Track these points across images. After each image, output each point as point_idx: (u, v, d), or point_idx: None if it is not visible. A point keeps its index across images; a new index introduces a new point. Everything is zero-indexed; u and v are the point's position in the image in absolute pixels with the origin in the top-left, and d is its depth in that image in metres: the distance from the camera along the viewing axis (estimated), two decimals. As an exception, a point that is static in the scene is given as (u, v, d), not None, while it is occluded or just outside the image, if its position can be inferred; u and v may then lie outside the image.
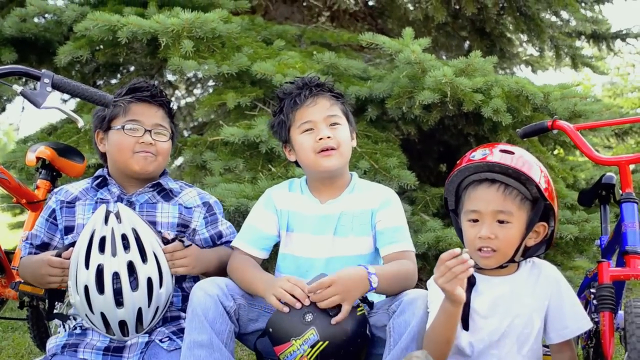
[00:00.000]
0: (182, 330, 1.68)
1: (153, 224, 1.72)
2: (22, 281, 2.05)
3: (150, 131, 1.73)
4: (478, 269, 1.52)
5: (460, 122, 3.17)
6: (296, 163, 1.77)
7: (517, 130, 2.09)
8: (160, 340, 1.63)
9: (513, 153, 1.49)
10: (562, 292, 1.52)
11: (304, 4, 4.40)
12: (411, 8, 4.35)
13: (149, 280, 1.56)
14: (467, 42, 4.92)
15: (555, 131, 1.92)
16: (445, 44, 4.91)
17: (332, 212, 1.70)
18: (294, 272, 1.69)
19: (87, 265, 1.54)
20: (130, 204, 1.73)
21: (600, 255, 1.92)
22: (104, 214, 1.57)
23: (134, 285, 1.54)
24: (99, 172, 1.81)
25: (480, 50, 3.12)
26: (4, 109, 4.08)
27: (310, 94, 1.70)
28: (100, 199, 1.75)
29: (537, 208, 1.49)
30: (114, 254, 1.54)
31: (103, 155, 1.81)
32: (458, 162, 1.57)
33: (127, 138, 1.71)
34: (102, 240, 1.55)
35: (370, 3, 4.81)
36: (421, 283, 3.73)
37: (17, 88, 1.65)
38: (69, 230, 1.74)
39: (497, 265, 1.50)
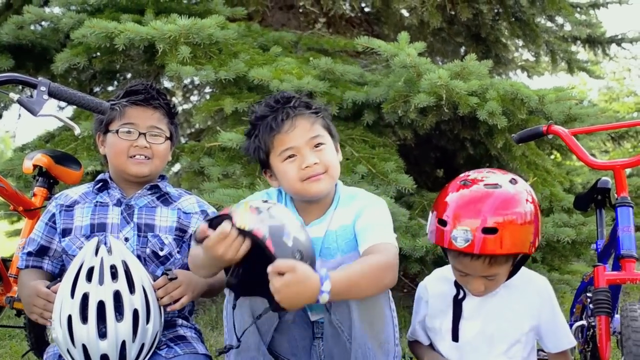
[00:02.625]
0: (180, 338, 1.68)
1: (152, 227, 1.72)
2: (17, 298, 2.05)
3: (144, 134, 1.73)
4: None
5: (456, 126, 3.18)
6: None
7: (513, 135, 2.10)
8: (159, 348, 1.63)
9: (496, 231, 1.37)
10: (554, 308, 1.55)
11: (300, 10, 4.42)
12: (406, 14, 4.38)
13: (135, 312, 1.50)
14: (463, 47, 4.95)
15: (550, 136, 1.93)
16: (441, 49, 4.93)
17: (317, 234, 1.60)
18: None
19: (72, 295, 1.48)
20: (130, 207, 1.74)
21: (597, 259, 1.93)
22: (95, 246, 1.53)
23: (119, 316, 1.48)
24: (100, 176, 1.81)
25: (476, 55, 3.13)
26: (0, 117, 4.08)
27: (288, 116, 1.55)
28: (100, 202, 1.75)
29: (524, 257, 1.50)
30: (100, 282, 1.49)
31: (105, 158, 1.81)
32: (442, 194, 1.48)
33: (121, 142, 1.72)
34: (90, 270, 1.50)
35: (366, 9, 4.83)
36: (419, 288, 3.66)
37: (14, 96, 1.65)
38: (66, 232, 1.74)
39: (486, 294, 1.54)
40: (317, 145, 1.57)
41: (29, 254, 1.77)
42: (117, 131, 1.72)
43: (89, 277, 1.49)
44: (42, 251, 1.77)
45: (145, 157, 1.73)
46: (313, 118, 1.59)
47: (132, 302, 1.50)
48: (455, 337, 1.53)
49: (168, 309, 1.59)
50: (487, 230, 1.37)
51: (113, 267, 1.51)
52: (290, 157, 1.57)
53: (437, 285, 1.60)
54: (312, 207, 1.64)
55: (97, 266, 1.50)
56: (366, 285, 1.40)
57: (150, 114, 1.75)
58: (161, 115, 1.77)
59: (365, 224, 1.57)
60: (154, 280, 1.57)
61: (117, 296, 1.49)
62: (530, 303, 1.53)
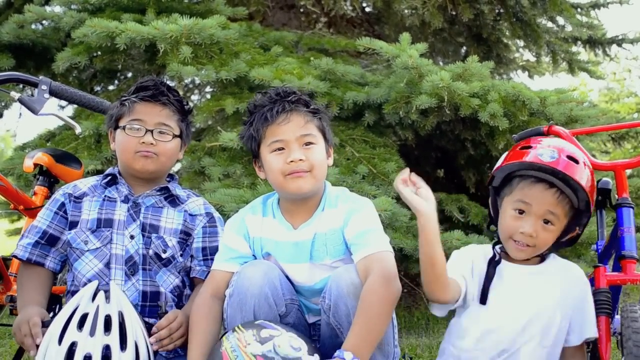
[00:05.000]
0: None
1: (156, 228, 1.71)
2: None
3: (152, 131, 1.71)
4: (505, 254, 1.57)
5: (457, 127, 3.19)
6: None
7: (513, 135, 2.10)
8: (159, 348, 1.63)
9: (578, 162, 1.50)
10: (587, 297, 1.56)
11: (302, 10, 4.42)
12: (408, 14, 4.37)
13: None
14: (464, 48, 4.95)
15: (551, 136, 1.93)
16: (442, 50, 4.94)
17: (306, 237, 1.60)
18: None
19: (60, 341, 1.41)
20: (137, 205, 1.73)
21: (597, 260, 1.93)
22: (93, 290, 1.47)
23: None
24: (109, 170, 1.80)
25: (477, 55, 3.13)
26: (1, 116, 4.08)
27: (284, 109, 1.56)
28: (108, 196, 1.74)
29: (579, 219, 1.54)
30: (92, 333, 1.42)
31: (115, 154, 1.80)
32: (516, 147, 1.56)
33: (128, 138, 1.71)
34: (83, 318, 1.44)
35: (368, 9, 4.83)
36: (418, 288, 3.72)
37: (15, 95, 1.66)
38: (73, 225, 1.72)
39: (525, 258, 1.55)
40: (306, 144, 1.57)
41: (36, 244, 1.72)
42: (124, 127, 1.71)
43: (80, 325, 1.43)
44: (50, 241, 1.72)
45: (153, 153, 1.71)
46: (309, 117, 1.59)
47: (121, 359, 1.43)
48: (483, 300, 1.52)
49: (162, 348, 1.56)
50: (571, 158, 1.49)
51: (108, 318, 1.45)
52: (278, 149, 1.57)
53: (480, 259, 1.59)
54: (299, 209, 1.63)
55: (92, 314, 1.44)
56: (379, 320, 1.42)
57: (158, 110, 1.73)
58: (170, 112, 1.74)
59: (356, 232, 1.56)
60: (149, 330, 1.54)
61: (107, 351, 1.42)
62: (566, 293, 1.53)
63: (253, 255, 1.65)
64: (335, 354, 1.36)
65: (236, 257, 1.62)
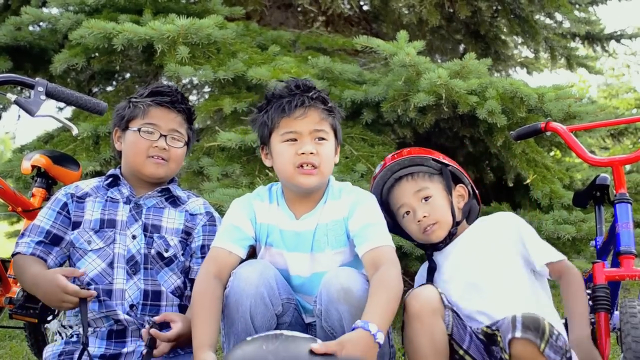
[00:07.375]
0: (179, 337, 1.68)
1: (158, 228, 1.73)
2: (17, 311, 2.03)
3: (165, 136, 1.74)
4: (432, 247, 1.73)
5: (456, 124, 3.18)
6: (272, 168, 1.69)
7: (511, 132, 2.10)
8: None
9: (402, 153, 1.78)
10: (527, 230, 1.67)
11: (299, 9, 4.42)
12: (405, 12, 4.37)
13: None
14: (462, 45, 4.95)
15: (549, 133, 1.93)
16: (440, 47, 4.93)
17: (308, 228, 1.64)
18: None
19: None
20: (138, 206, 1.75)
21: (596, 256, 1.93)
22: None
23: None
24: (111, 171, 1.81)
25: (475, 52, 3.14)
26: (-1, 118, 4.08)
27: (302, 104, 1.59)
28: (111, 197, 1.76)
29: (446, 175, 1.73)
30: None
31: (119, 154, 1.82)
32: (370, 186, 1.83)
33: (142, 141, 1.73)
34: None
35: (365, 7, 4.83)
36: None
37: (12, 97, 1.66)
38: (76, 225, 1.72)
39: (447, 233, 1.70)
40: (319, 139, 1.62)
41: (39, 242, 1.70)
42: (139, 130, 1.73)
43: None
44: (54, 241, 1.72)
45: (163, 159, 1.74)
46: (325, 114, 1.63)
47: None
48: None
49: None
50: (394, 155, 1.78)
51: None
52: (291, 140, 1.61)
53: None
54: (302, 200, 1.67)
55: None
56: (396, 304, 1.46)
57: (173, 117, 1.77)
58: (182, 120, 1.79)
59: (361, 224, 1.60)
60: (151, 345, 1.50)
61: None
62: (506, 236, 1.64)
63: (255, 239, 1.67)
64: (359, 324, 1.35)
65: (242, 239, 1.63)
